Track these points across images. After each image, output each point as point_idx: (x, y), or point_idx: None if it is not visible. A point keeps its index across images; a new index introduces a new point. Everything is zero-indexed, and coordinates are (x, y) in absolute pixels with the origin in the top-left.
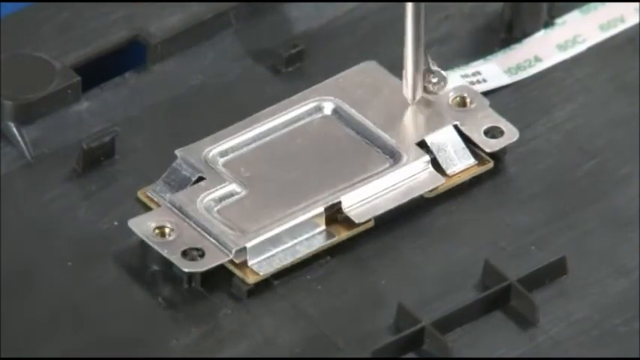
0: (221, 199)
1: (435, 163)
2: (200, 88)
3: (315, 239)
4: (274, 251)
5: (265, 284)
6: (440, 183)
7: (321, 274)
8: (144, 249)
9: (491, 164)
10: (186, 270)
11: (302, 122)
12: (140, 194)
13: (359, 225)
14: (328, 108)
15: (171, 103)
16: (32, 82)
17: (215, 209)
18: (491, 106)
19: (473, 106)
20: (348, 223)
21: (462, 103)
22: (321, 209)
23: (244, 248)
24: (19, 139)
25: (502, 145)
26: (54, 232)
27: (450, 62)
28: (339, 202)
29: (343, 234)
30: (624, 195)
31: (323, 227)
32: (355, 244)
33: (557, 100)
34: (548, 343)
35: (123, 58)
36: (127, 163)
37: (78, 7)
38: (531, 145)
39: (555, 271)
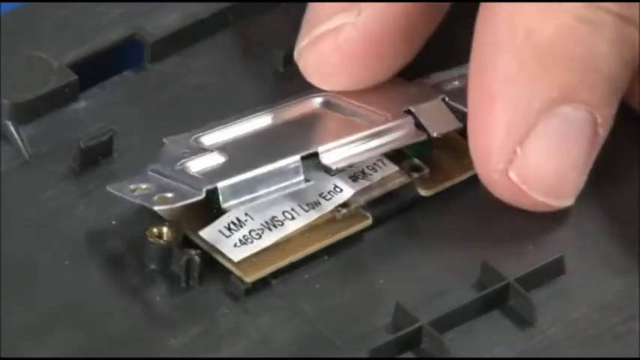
0: (201, 163)
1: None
2: (198, 87)
3: (291, 186)
4: (248, 196)
5: (263, 283)
6: (421, 138)
7: (318, 273)
8: (142, 248)
9: None
10: (155, 208)
11: (292, 108)
12: None
13: (356, 224)
14: (319, 99)
15: (169, 102)
16: (30, 81)
17: (194, 170)
18: None
19: None
20: (345, 222)
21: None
22: (297, 157)
23: (216, 189)
24: (17, 137)
25: None
26: (51, 230)
27: (447, 62)
28: (316, 152)
29: (341, 233)
30: (623, 194)
31: (301, 177)
32: (353, 244)
33: None
34: (546, 343)
35: (121, 57)
36: (124, 162)
37: (75, 5)
38: None
39: (553, 270)
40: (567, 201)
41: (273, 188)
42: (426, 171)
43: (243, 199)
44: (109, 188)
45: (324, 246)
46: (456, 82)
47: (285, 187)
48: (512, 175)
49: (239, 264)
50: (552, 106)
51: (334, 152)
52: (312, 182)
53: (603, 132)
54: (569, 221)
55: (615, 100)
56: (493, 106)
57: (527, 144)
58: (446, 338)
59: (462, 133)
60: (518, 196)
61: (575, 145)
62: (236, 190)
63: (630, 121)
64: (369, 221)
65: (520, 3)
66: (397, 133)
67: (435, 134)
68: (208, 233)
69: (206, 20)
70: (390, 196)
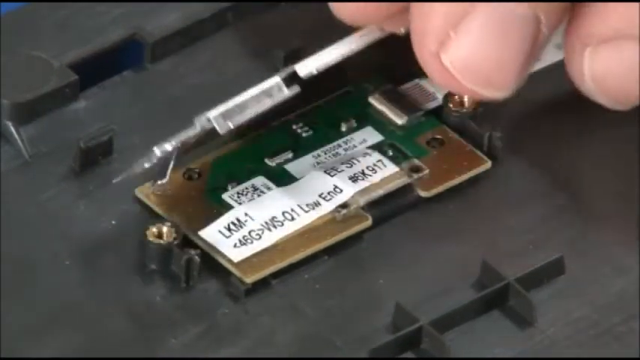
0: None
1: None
2: (198, 87)
3: (277, 97)
4: (240, 117)
5: (263, 283)
6: (386, 33)
7: (318, 273)
8: (142, 248)
9: (488, 164)
10: (156, 152)
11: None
12: (138, 192)
13: (356, 224)
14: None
15: (169, 102)
16: (30, 81)
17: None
18: (489, 104)
19: None
20: (345, 222)
21: None
22: (277, 78)
23: (209, 119)
24: (17, 137)
25: None
26: (51, 230)
27: None
28: (294, 71)
29: (340, 234)
30: (622, 194)
31: (285, 90)
32: (353, 244)
33: (555, 99)
34: (546, 343)
35: (121, 57)
36: (124, 162)
37: (75, 5)
38: (529, 144)
39: (553, 270)
40: (499, 93)
41: (261, 103)
42: (426, 172)
43: (236, 120)
44: (115, 181)
45: (324, 246)
46: None
47: (272, 100)
48: (444, 59)
49: (239, 264)
50: None
51: (309, 63)
52: (298, 89)
53: (547, 31)
54: (569, 221)
55: (562, 5)
56: None
57: (462, 29)
58: (446, 338)
59: (462, 133)
60: (450, 81)
61: (512, 39)
62: (228, 116)
63: (630, 121)
64: (368, 222)
65: None
66: (365, 35)
67: (401, 31)
68: (208, 233)
69: (206, 20)
70: (389, 196)
